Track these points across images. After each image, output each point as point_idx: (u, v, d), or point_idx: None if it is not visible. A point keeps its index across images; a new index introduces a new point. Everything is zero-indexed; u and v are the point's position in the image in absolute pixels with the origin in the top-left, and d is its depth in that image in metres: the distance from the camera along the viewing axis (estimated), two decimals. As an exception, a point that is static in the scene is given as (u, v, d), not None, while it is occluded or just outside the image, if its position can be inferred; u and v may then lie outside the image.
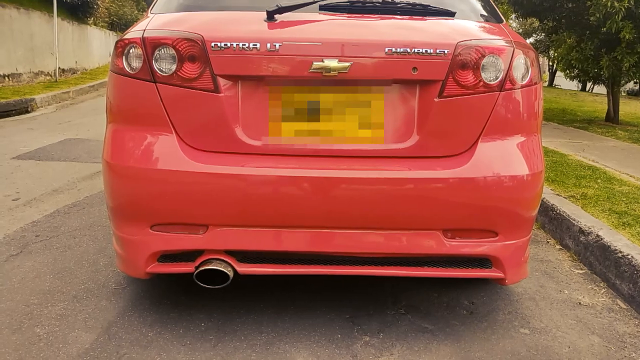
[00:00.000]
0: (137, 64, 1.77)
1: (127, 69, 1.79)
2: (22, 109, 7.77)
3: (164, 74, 1.75)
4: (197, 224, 1.78)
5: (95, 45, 15.26)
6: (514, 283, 1.98)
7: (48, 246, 2.74)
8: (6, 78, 9.79)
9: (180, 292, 2.26)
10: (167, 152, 1.77)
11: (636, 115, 10.82)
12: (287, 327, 2.02)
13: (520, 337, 2.03)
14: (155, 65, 1.75)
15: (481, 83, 1.76)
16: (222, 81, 1.74)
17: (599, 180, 4.04)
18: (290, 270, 1.83)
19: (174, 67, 1.74)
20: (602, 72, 7.93)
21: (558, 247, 3.06)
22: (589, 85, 20.75)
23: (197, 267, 1.81)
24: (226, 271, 1.79)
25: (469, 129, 1.79)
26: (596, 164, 4.83)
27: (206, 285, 1.84)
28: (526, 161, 1.82)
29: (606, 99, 9.20)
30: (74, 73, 13.25)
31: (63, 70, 12.34)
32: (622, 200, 3.44)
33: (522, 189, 1.80)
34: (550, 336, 2.05)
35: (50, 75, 11.53)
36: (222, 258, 1.81)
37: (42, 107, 8.46)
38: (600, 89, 14.54)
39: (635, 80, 10.95)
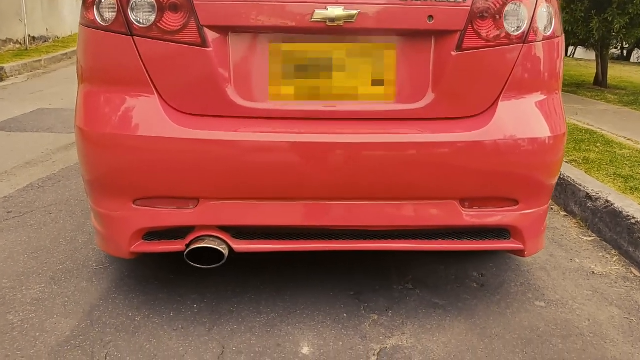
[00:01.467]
0: (110, 14, 1.54)
1: (99, 21, 1.55)
2: (-9, 78, 7.35)
3: (142, 26, 1.52)
4: (186, 197, 1.59)
5: (66, 11, 14.53)
6: (532, 255, 1.84)
7: (22, 223, 2.52)
8: (-29, 46, 9.25)
9: (169, 270, 2.08)
10: (149, 116, 1.55)
11: (622, 79, 10.75)
12: (287, 306, 1.86)
13: (536, 310, 1.91)
14: (132, 16, 1.52)
15: (503, 34, 1.57)
16: (209, 33, 1.52)
17: (598, 144, 3.92)
18: (291, 246, 1.66)
19: (153, 17, 1.51)
20: (592, 34, 7.77)
21: (563, 213, 2.93)
22: (570, 49, 20.62)
23: (187, 245, 1.63)
24: (220, 249, 1.61)
25: (489, 87, 1.61)
26: (592, 127, 4.71)
27: (198, 265, 1.65)
28: (549, 122, 1.65)
29: (591, 63, 9.08)
30: (46, 41, 12.63)
31: (34, 38, 11.74)
32: (626, 164, 3.32)
33: (546, 153, 1.63)
34: (567, 309, 1.93)
35: (20, 44, 10.97)
36: (216, 235, 1.62)
37: (12, 76, 8.03)
38: (583, 54, 14.42)
39: (621, 44, 10.84)
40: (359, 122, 1.59)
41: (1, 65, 7.94)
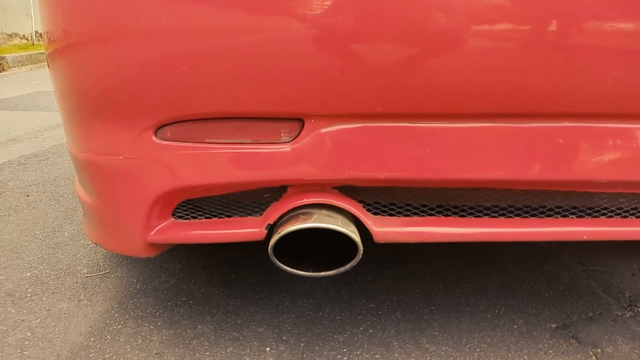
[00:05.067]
0: None
1: None
2: (-10, 67, 6.63)
3: None
4: (276, 114, 0.71)
5: (77, 9, 13.98)
6: None
7: (-18, 210, 1.67)
8: (-27, 38, 8.60)
9: (209, 273, 1.20)
10: None
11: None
12: (462, 342, 0.97)
13: None
14: None
15: None
16: None
17: None
18: (505, 232, 0.77)
19: None
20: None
21: None
22: None
23: (272, 227, 0.75)
24: (349, 233, 0.72)
25: None
26: None
27: (297, 272, 0.77)
28: None
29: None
30: (54, 38, 12.01)
31: (42, 34, 11.15)
32: None
33: None
34: None
35: (27, 39, 10.47)
36: (336, 203, 0.74)
37: (14, 67, 7.34)
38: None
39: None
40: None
41: (3, 55, 7.22)
